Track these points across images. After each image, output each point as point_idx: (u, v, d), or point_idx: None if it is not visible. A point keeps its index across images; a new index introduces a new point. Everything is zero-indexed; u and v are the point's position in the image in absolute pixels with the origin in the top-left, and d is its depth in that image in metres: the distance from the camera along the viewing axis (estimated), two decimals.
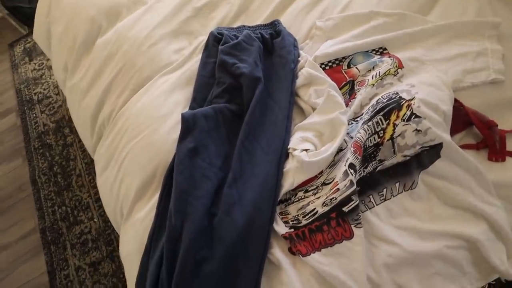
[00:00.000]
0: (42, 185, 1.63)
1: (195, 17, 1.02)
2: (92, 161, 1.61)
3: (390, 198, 0.65)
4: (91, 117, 0.99)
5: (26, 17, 2.07)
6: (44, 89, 1.98)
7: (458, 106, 0.71)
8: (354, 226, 0.61)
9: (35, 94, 1.97)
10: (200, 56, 0.92)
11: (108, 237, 1.39)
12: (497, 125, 0.69)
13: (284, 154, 0.70)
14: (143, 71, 0.93)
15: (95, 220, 1.45)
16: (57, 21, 1.19)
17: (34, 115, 1.89)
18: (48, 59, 2.10)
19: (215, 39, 0.90)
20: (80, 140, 1.71)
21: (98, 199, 1.50)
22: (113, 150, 0.90)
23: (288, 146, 0.71)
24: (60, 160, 1.69)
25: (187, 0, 1.04)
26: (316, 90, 0.74)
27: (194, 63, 0.92)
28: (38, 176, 1.66)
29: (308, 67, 0.79)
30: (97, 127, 0.98)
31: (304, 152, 0.67)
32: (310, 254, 0.62)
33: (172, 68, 0.92)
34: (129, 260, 0.76)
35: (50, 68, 2.06)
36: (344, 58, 0.82)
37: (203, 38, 0.97)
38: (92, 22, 1.07)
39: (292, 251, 0.64)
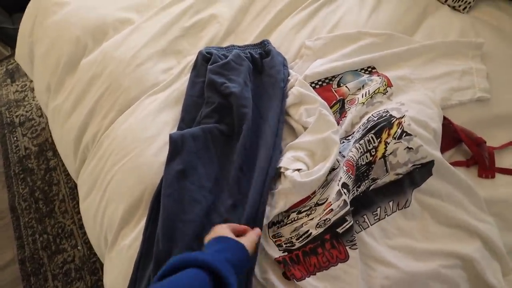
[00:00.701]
0: (22, 212, 1.55)
1: (183, 36, 1.02)
2: (76, 185, 1.57)
3: (385, 218, 0.64)
4: (74, 139, 0.95)
5: (9, 38, 2.04)
6: (27, 111, 1.92)
7: (447, 124, 0.72)
8: (349, 248, 0.59)
9: (16, 116, 1.92)
10: (189, 75, 0.92)
11: (93, 266, 1.32)
12: (485, 142, 0.70)
13: (270, 173, 0.68)
14: (130, 92, 0.91)
15: (79, 248, 1.38)
16: (40, 41, 1.17)
17: (15, 138, 1.82)
18: (31, 81, 2.06)
19: (204, 59, 0.89)
20: (64, 164, 1.66)
21: (83, 226, 1.44)
22: (97, 174, 0.86)
23: (280, 165, 0.70)
24: (42, 185, 1.62)
25: (175, 20, 1.04)
26: (307, 109, 0.74)
27: (183, 83, 0.91)
28: (18, 202, 1.58)
29: (298, 86, 0.79)
30: (80, 150, 0.95)
31: (297, 172, 0.66)
32: (304, 278, 0.60)
33: (160, 88, 0.91)
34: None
35: (33, 90, 2.01)
36: (333, 77, 0.83)
37: (192, 57, 0.96)
38: (77, 42, 1.05)
39: (286, 276, 0.62)
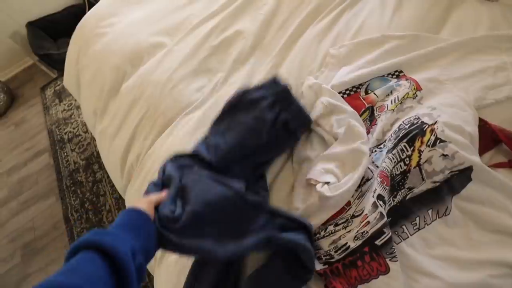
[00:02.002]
0: (75, 222, 1.69)
1: (212, 54, 1.06)
2: (121, 196, 1.68)
3: (424, 227, 0.64)
4: (120, 160, 1.03)
5: (56, 62, 2.23)
6: (74, 128, 2.09)
7: (483, 125, 0.69)
8: (389, 260, 0.59)
9: (65, 133, 2.09)
10: (219, 92, 0.96)
11: None
12: None
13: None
14: (167, 113, 0.97)
15: None
16: (85, 69, 1.27)
17: (65, 154, 1.99)
18: (76, 99, 2.23)
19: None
20: (109, 176, 1.79)
21: None
22: (142, 191, 0.91)
23: (310, 177, 0.71)
24: (90, 196, 1.76)
25: (203, 40, 1.09)
26: (338, 120, 0.75)
27: (215, 100, 0.95)
28: (71, 213, 1.73)
29: (327, 96, 0.80)
30: (126, 169, 1.02)
31: (326, 186, 0.67)
32: None
33: (194, 107, 0.96)
34: None
35: (78, 107, 2.18)
36: (361, 84, 0.82)
37: (221, 74, 1.01)
38: (117, 69, 1.13)
39: None
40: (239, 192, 0.63)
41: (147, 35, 1.16)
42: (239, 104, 0.80)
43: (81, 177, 1.86)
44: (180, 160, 0.74)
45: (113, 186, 1.75)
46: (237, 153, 0.74)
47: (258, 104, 0.77)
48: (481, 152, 0.68)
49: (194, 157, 0.75)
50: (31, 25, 2.32)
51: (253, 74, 0.98)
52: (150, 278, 1.38)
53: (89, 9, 1.59)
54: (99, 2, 1.46)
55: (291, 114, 0.76)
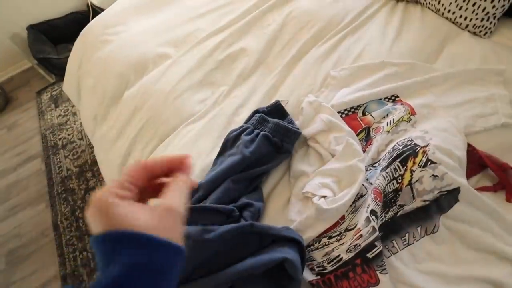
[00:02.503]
0: (64, 230, 1.66)
1: (217, 68, 1.10)
2: None
3: (413, 243, 0.67)
4: (118, 165, 1.04)
5: (55, 67, 2.24)
6: (69, 134, 2.08)
7: (471, 150, 0.74)
8: (380, 272, 0.62)
9: (59, 139, 2.07)
10: (222, 105, 0.99)
11: None
12: (511, 167, 0.72)
13: None
14: (169, 123, 0.99)
15: None
16: (87, 75, 1.29)
17: (58, 160, 1.97)
18: (73, 106, 2.23)
19: None
20: (102, 184, 1.78)
21: None
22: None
23: (306, 190, 0.74)
24: (82, 204, 1.73)
25: (209, 54, 1.12)
26: (336, 138, 0.78)
27: (217, 112, 0.98)
28: (60, 221, 1.70)
29: (328, 114, 0.84)
30: None
31: (322, 199, 0.70)
32: None
33: (196, 117, 0.98)
34: None
35: (74, 114, 2.18)
36: (359, 106, 0.87)
37: (224, 88, 1.04)
38: (121, 76, 1.16)
39: None
40: (202, 236, 0.64)
41: (153, 45, 1.20)
42: (227, 143, 0.87)
43: (73, 184, 1.84)
44: None
45: None
46: (227, 174, 0.78)
47: (239, 136, 0.85)
48: (468, 175, 0.73)
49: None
50: (32, 28, 2.33)
51: (255, 90, 1.01)
52: None
53: (93, 16, 1.62)
54: (106, 10, 1.49)
55: (269, 130, 0.82)
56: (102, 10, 1.74)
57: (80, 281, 1.46)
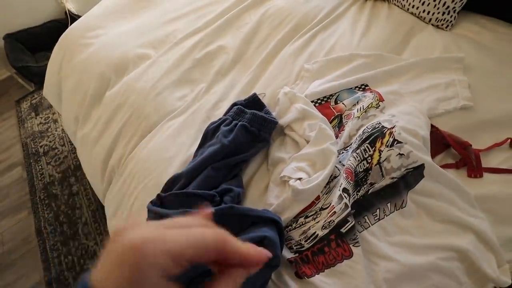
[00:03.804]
0: (48, 236, 1.64)
1: (195, 67, 1.13)
2: (98, 208, 1.67)
3: (384, 218, 0.71)
4: (101, 163, 1.05)
5: (34, 75, 2.22)
6: (50, 141, 2.06)
7: (435, 131, 0.79)
8: (353, 246, 0.66)
9: (41, 146, 2.05)
10: (201, 101, 1.03)
11: None
12: (471, 145, 0.78)
13: None
14: (150, 118, 1.02)
15: None
16: (68, 78, 1.30)
17: (40, 167, 1.95)
18: (53, 113, 2.22)
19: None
20: (86, 189, 1.77)
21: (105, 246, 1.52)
22: (123, 193, 0.94)
23: (283, 174, 0.78)
24: (66, 209, 1.72)
25: (187, 53, 1.16)
26: (310, 125, 0.82)
27: (196, 108, 1.01)
28: (44, 226, 1.68)
29: (301, 103, 0.88)
30: (107, 173, 1.04)
31: (298, 181, 0.74)
32: (314, 275, 0.66)
33: (176, 113, 1.01)
34: None
35: (55, 121, 2.17)
36: (331, 95, 0.92)
37: (203, 85, 1.08)
38: (102, 77, 1.17)
39: (298, 275, 0.68)
40: None
41: (133, 46, 1.22)
42: (207, 135, 0.90)
43: (56, 190, 1.82)
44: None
45: (90, 198, 1.73)
46: (208, 162, 0.81)
47: (219, 127, 0.88)
48: (433, 155, 0.78)
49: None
50: (9, 37, 2.30)
51: (234, 85, 1.05)
52: None
53: (71, 24, 1.63)
54: (85, 14, 1.51)
55: (247, 120, 0.85)
56: (80, 17, 1.74)
57: (65, 285, 1.45)
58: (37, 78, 2.21)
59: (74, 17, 2.39)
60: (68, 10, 2.42)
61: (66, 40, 1.40)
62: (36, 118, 2.24)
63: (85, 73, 1.22)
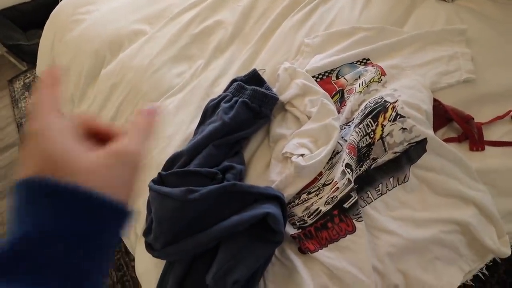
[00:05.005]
0: None
1: (193, 42, 1.10)
2: None
3: (386, 192, 0.71)
4: None
5: (25, 54, 2.16)
6: None
7: (437, 105, 0.79)
8: (356, 221, 0.66)
9: None
10: (199, 78, 1.00)
11: (118, 262, 1.41)
12: (473, 118, 0.77)
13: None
14: (148, 96, 1.00)
15: None
16: (61, 56, 1.26)
17: None
18: None
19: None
20: None
21: None
22: None
23: (285, 151, 0.77)
24: None
25: (184, 28, 1.12)
26: (311, 100, 0.81)
27: (195, 85, 0.99)
28: None
29: (302, 79, 0.86)
30: None
31: (300, 157, 0.73)
32: (318, 250, 0.67)
33: (175, 90, 0.99)
34: (146, 276, 0.78)
35: None
36: (332, 70, 0.90)
37: (201, 61, 1.05)
38: (96, 54, 1.14)
39: (301, 250, 0.69)
40: (186, 197, 0.66)
41: (127, 22, 1.19)
42: (207, 112, 0.88)
43: None
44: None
45: None
46: (209, 140, 0.80)
47: (219, 104, 0.86)
48: (436, 128, 0.77)
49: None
50: None
51: (233, 61, 1.03)
52: (126, 261, 1.39)
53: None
54: None
55: (247, 97, 0.84)
56: None
57: None
58: (29, 56, 2.15)
59: None
60: None
61: (56, 18, 1.35)
62: (30, 98, 2.20)
63: (79, 51, 1.19)
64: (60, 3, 1.41)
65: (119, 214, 0.25)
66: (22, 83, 2.31)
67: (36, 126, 0.25)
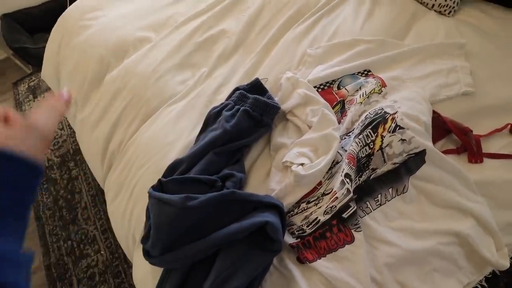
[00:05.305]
0: (47, 220, 1.64)
1: (197, 50, 1.11)
2: (98, 193, 1.66)
3: (385, 203, 0.72)
4: (101, 148, 1.04)
5: (31, 57, 2.17)
6: None
7: (436, 117, 0.80)
8: (354, 231, 0.67)
9: None
10: (203, 85, 1.01)
11: (116, 269, 1.40)
12: (472, 131, 0.78)
13: None
14: (151, 103, 1.00)
15: (102, 252, 1.46)
16: (66, 60, 1.27)
17: None
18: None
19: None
20: (85, 173, 1.76)
21: (105, 231, 1.52)
22: (123, 178, 0.94)
23: (285, 160, 0.78)
24: (65, 194, 1.71)
25: (189, 36, 1.14)
26: (312, 110, 0.82)
27: (198, 92, 1.00)
28: (43, 211, 1.67)
29: (304, 88, 0.88)
30: (107, 157, 1.03)
31: (300, 166, 0.74)
32: (316, 260, 0.67)
33: (177, 98, 1.00)
34: (144, 284, 0.79)
35: None
36: (333, 81, 0.92)
37: (205, 69, 1.06)
38: (101, 60, 1.15)
39: (300, 260, 0.69)
40: (186, 204, 0.67)
41: (133, 29, 1.20)
42: (209, 120, 0.89)
43: (55, 174, 1.81)
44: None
45: (89, 183, 1.73)
46: (210, 147, 0.81)
47: (221, 112, 0.87)
48: (435, 140, 0.78)
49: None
50: (6, 17, 2.24)
51: (236, 70, 1.04)
52: (125, 267, 1.39)
53: (70, 5, 1.60)
54: None
55: (249, 105, 0.85)
56: None
57: (65, 270, 1.45)
58: (35, 60, 2.16)
59: None
60: None
61: (64, 22, 1.37)
62: (34, 101, 2.21)
63: (84, 56, 1.20)
64: (69, 8, 1.43)
65: (32, 166, 0.33)
66: (26, 86, 2.33)
67: None
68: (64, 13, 1.40)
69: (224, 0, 1.24)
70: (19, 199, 0.32)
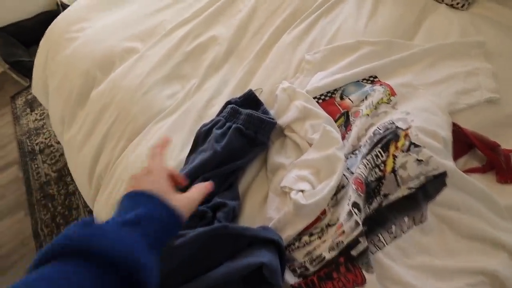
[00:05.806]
0: (45, 238, 1.60)
1: (186, 60, 1.03)
2: None
3: (401, 235, 0.62)
4: (88, 169, 0.97)
5: (28, 70, 2.13)
6: (46, 138, 2.01)
7: (456, 130, 0.69)
8: (365, 271, 0.57)
9: (36, 144, 2.00)
10: (192, 99, 0.93)
11: None
12: (499, 145, 0.67)
13: None
14: (138, 119, 0.93)
15: None
16: (53, 75, 1.21)
17: (36, 165, 1.90)
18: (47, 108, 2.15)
19: None
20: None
21: None
22: (112, 200, 0.87)
23: (284, 185, 0.69)
24: (62, 210, 1.67)
25: (177, 46, 1.06)
26: (312, 125, 0.73)
27: (187, 107, 0.92)
28: (41, 228, 1.63)
29: (302, 100, 0.78)
30: (94, 178, 0.97)
31: (300, 193, 0.64)
32: None
33: (166, 113, 0.92)
34: None
35: None
36: (336, 90, 0.81)
37: (195, 80, 0.98)
38: (87, 74, 1.08)
39: None
40: (172, 243, 0.59)
41: (119, 40, 1.12)
42: (198, 139, 0.81)
43: (52, 190, 1.77)
44: None
45: None
46: (198, 172, 0.73)
47: (211, 130, 0.80)
48: (456, 157, 0.68)
49: None
50: (1, 31, 2.22)
51: (228, 80, 0.95)
52: None
53: None
54: (70, 6, 1.41)
55: (242, 122, 0.76)
56: None
57: None
58: (31, 72, 2.13)
59: (66, 8, 2.28)
60: (60, 1, 2.30)
61: (49, 36, 1.31)
62: (31, 115, 2.18)
63: (70, 70, 1.13)
64: (54, 21, 1.36)
65: (178, 218, 0.43)
66: (24, 99, 2.29)
67: (150, 166, 0.48)
68: (50, 27, 1.35)
69: (213, 4, 1.16)
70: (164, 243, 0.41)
